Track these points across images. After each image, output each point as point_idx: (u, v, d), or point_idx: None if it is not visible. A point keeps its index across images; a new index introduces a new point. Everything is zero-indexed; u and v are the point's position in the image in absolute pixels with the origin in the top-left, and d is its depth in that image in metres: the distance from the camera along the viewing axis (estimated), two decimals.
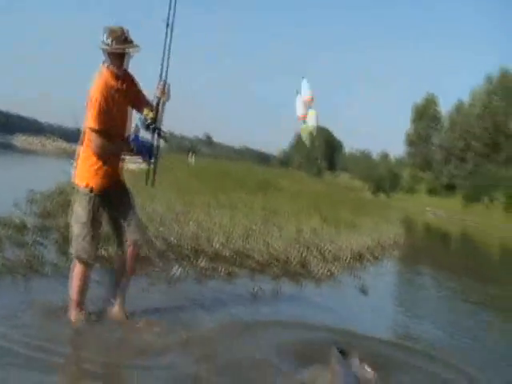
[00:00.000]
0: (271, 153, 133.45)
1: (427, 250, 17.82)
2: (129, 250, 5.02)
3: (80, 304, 4.83)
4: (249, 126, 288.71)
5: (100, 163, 4.81)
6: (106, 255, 7.43)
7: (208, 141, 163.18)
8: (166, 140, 5.07)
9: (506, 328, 7.99)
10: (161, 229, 9.43)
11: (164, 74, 4.98)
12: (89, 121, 4.68)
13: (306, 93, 6.44)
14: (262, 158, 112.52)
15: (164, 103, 4.97)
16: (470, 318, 8.26)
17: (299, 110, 6.56)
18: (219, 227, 10.26)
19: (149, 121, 4.92)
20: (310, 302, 7.23)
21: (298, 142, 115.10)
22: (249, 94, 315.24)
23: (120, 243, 5.06)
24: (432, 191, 58.59)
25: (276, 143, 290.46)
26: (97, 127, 4.66)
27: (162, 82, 4.97)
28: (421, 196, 60.09)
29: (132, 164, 33.84)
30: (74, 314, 4.82)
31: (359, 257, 11.59)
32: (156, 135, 5.01)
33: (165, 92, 4.95)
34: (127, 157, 5.17)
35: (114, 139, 4.80)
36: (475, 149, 51.92)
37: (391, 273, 11.77)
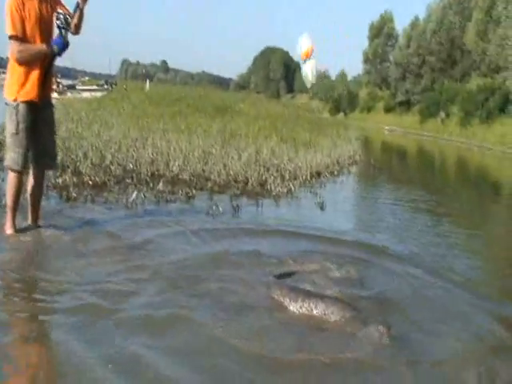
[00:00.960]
0: (229, 76, 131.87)
1: (384, 165, 18.14)
2: (38, 170, 5.30)
3: (14, 211, 5.16)
4: (207, 50, 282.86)
5: (25, 76, 4.94)
6: (60, 183, 7.41)
7: (164, 66, 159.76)
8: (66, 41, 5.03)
9: (449, 230, 8.29)
10: (118, 155, 9.38)
11: None
12: (6, 29, 4.84)
13: (306, 46, 6.36)
14: (220, 82, 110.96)
15: (82, 9, 5.06)
16: (418, 223, 8.58)
17: (303, 47, 6.51)
18: (177, 152, 10.24)
19: (63, 21, 4.99)
20: (268, 216, 7.40)
21: (257, 64, 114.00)
22: (211, 19, 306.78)
23: (35, 160, 5.23)
24: (389, 109, 58.94)
25: (234, 67, 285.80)
26: (13, 33, 4.80)
27: None
28: (378, 114, 60.45)
29: (86, 93, 33.03)
30: (8, 226, 5.16)
31: (317, 175, 11.76)
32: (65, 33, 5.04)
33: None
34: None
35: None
36: (431, 64, 51.96)
37: (348, 188, 12.00)
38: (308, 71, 7.00)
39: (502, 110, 35.81)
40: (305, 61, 7.04)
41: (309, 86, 7.45)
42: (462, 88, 44.44)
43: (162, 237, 5.63)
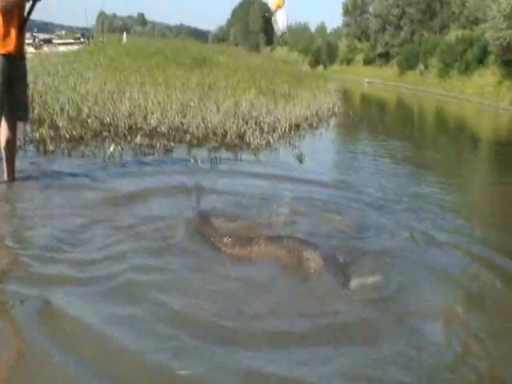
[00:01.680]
0: (208, 29, 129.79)
1: (362, 117, 18.19)
2: (11, 123, 5.32)
3: None
4: (185, 2, 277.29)
5: (4, 29, 4.91)
6: (37, 137, 7.36)
7: (141, 19, 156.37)
8: None
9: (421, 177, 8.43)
10: (95, 108, 9.28)
11: None
12: None
13: None
14: (199, 35, 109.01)
15: None
16: (393, 174, 8.69)
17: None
18: (155, 105, 10.15)
19: None
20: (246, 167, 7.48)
21: (235, 16, 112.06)
22: None
23: (8, 113, 5.21)
24: (368, 61, 58.54)
25: (213, 19, 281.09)
26: None
27: None
28: (358, 66, 60.05)
29: (62, 46, 32.34)
30: None
31: (296, 127, 11.77)
32: None
33: None
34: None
35: None
36: (410, 16, 51.52)
37: (327, 140, 12.04)
38: (279, 20, 6.93)
39: (481, 61, 35.74)
40: (276, 10, 6.95)
41: (279, 34, 7.37)
42: (440, 40, 44.19)
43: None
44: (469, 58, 37.21)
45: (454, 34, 42.31)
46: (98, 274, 3.60)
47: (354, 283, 3.75)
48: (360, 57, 61.19)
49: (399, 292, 3.80)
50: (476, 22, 37.38)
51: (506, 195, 8.22)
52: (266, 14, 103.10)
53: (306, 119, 12.82)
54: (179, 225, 4.55)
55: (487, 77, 34.05)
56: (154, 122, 9.08)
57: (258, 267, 3.97)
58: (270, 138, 9.75)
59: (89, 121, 8.61)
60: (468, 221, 6.09)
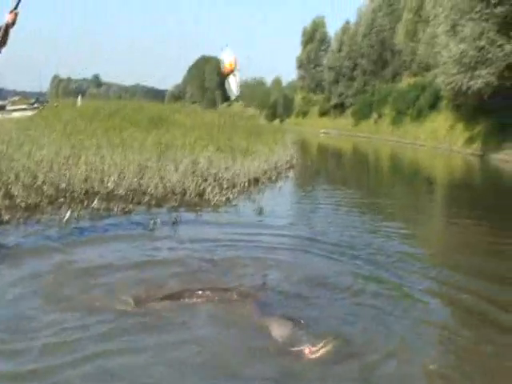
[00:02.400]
0: (165, 88, 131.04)
1: (320, 167, 18.44)
2: None
3: None
4: (140, 62, 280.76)
5: None
6: None
7: (97, 81, 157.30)
8: None
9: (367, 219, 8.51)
10: (50, 174, 9.15)
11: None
12: None
13: (228, 59, 6.58)
14: (156, 94, 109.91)
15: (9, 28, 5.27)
16: (347, 221, 8.75)
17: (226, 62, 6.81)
18: (112, 167, 10.08)
19: None
20: (207, 226, 7.42)
21: (191, 74, 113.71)
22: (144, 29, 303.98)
23: None
24: (324, 112, 59.93)
25: (169, 77, 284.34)
26: None
27: (14, 11, 5.29)
28: (314, 118, 61.39)
29: (16, 112, 31.94)
30: None
31: (255, 181, 11.84)
32: None
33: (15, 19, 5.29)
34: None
35: None
36: (363, 67, 53.17)
37: (287, 193, 12.12)
38: (232, 84, 7.11)
39: (433, 106, 36.84)
40: (228, 75, 7.14)
41: (233, 98, 7.52)
42: (393, 88, 45.58)
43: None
44: (421, 104, 38.35)
45: (405, 82, 43.73)
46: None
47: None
48: (315, 108, 62.60)
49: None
50: (427, 68, 38.65)
51: (461, 237, 8.37)
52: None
53: (265, 173, 12.91)
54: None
55: (440, 121, 35.07)
56: (111, 185, 8.99)
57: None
58: (230, 194, 9.77)
59: (44, 187, 8.47)
60: (423, 265, 6.12)
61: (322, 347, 3.43)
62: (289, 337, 3.65)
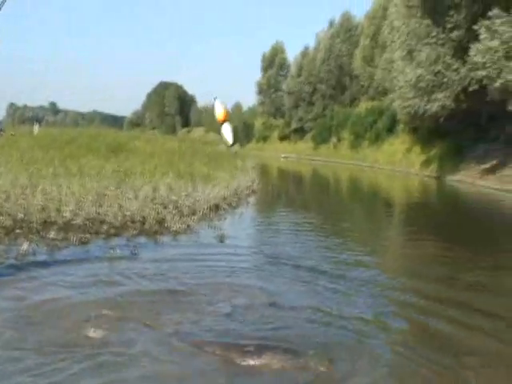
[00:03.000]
0: (123, 114, 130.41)
1: (280, 191, 18.53)
2: None
3: None
4: (97, 89, 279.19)
5: None
6: None
7: (53, 108, 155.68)
8: None
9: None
10: (6, 205, 8.96)
11: None
12: None
13: (219, 111, 7.18)
14: (114, 121, 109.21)
15: None
16: (308, 244, 8.78)
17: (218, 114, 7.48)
18: (69, 196, 9.92)
19: None
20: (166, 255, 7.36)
21: (151, 100, 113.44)
22: (100, 56, 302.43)
23: None
24: (284, 137, 60.50)
25: (128, 104, 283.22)
26: None
27: None
28: (274, 142, 61.87)
29: None
30: None
31: (216, 208, 11.80)
32: None
33: None
34: None
35: None
36: (322, 92, 53.91)
37: (247, 219, 12.10)
38: (227, 133, 7.59)
39: (390, 130, 37.50)
40: (222, 124, 7.65)
41: (229, 144, 7.96)
42: (351, 112, 46.29)
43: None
44: (379, 127, 39.03)
45: (363, 106, 44.44)
46: None
47: None
48: (276, 133, 63.07)
49: None
50: (384, 92, 39.39)
51: (413, 251, 8.55)
52: (183, 96, 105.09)
53: (225, 199, 12.89)
54: None
55: (397, 144, 35.70)
56: (68, 215, 8.84)
57: None
58: (190, 220, 9.71)
59: (1, 218, 8.30)
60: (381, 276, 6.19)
61: None
62: None
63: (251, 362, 3.90)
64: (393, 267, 8.19)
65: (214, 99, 7.68)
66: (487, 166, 23.57)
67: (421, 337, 4.81)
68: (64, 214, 8.85)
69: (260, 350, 4.01)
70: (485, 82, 20.89)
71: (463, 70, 23.23)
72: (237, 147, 42.82)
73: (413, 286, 6.41)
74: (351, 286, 6.14)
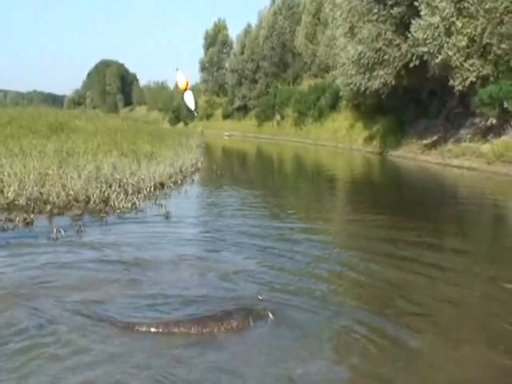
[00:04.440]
0: (63, 93, 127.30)
1: (225, 169, 18.62)
2: None
3: None
4: (37, 68, 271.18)
5: None
6: None
7: None
8: None
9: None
10: None
11: None
12: None
13: (181, 81, 7.50)
14: (54, 100, 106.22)
15: None
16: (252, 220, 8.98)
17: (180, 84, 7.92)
18: (12, 176, 9.77)
19: None
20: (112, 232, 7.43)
21: (92, 78, 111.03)
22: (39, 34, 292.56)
23: None
24: (227, 115, 60.37)
25: (68, 83, 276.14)
26: None
27: None
28: (218, 121, 61.68)
29: None
30: None
31: (161, 186, 11.86)
32: None
33: None
34: None
35: None
36: (265, 69, 53.88)
37: (193, 196, 12.18)
38: (189, 100, 8.14)
39: (333, 107, 37.84)
40: (183, 93, 8.19)
41: (192, 109, 8.43)
42: (294, 90, 46.48)
43: None
44: (322, 105, 39.32)
45: (306, 84, 44.68)
46: None
47: None
48: (219, 111, 62.87)
49: None
50: (327, 69, 39.65)
51: (354, 227, 8.87)
52: (124, 75, 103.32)
53: (170, 177, 12.93)
54: None
55: (340, 121, 36.14)
56: (11, 195, 8.73)
57: None
58: (136, 199, 9.72)
59: None
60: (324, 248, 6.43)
61: None
62: None
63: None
64: (335, 231, 8.61)
65: (177, 70, 8.10)
66: (428, 141, 24.16)
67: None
68: (7, 195, 8.74)
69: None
70: (426, 57, 21.32)
71: (404, 46, 23.61)
72: (201, 127, 43.25)
73: (355, 245, 7.00)
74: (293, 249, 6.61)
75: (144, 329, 4.08)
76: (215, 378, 3.47)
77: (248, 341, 4.01)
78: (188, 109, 8.41)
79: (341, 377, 3.62)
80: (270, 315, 4.26)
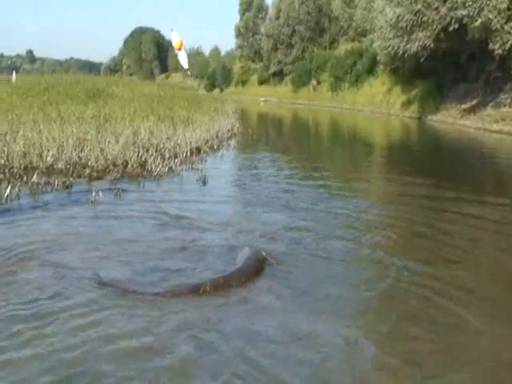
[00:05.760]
0: (100, 61, 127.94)
1: (260, 135, 18.57)
2: None
3: None
4: (74, 35, 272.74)
5: None
6: None
7: (30, 57, 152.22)
8: None
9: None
10: None
11: None
12: None
13: (176, 41, 7.62)
14: (91, 67, 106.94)
15: None
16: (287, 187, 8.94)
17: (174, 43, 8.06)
18: (50, 141, 9.90)
19: None
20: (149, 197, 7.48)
21: (128, 45, 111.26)
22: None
23: None
24: (263, 81, 59.89)
25: (104, 50, 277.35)
26: None
27: None
28: (253, 86, 61.30)
29: None
30: None
31: (197, 150, 11.87)
32: None
33: None
34: None
35: None
36: (301, 34, 53.19)
37: (229, 161, 12.20)
38: (183, 60, 8.26)
39: (370, 71, 37.27)
40: (178, 52, 8.27)
41: (186, 67, 8.57)
42: (331, 55, 45.84)
43: None
44: (359, 69, 38.73)
45: (343, 48, 43.99)
46: None
47: None
48: (255, 77, 62.40)
49: None
50: (364, 33, 38.95)
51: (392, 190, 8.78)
52: (160, 42, 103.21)
53: (207, 142, 12.94)
54: None
55: (377, 86, 35.59)
56: (50, 159, 8.87)
57: None
58: (172, 163, 9.77)
59: None
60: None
61: None
62: None
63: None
64: (374, 198, 8.55)
65: (171, 30, 8.23)
66: (467, 105, 23.67)
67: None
68: (46, 159, 8.87)
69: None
70: (465, 21, 20.75)
71: (443, 9, 22.98)
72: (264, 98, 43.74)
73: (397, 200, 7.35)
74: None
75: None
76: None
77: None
78: (182, 65, 8.60)
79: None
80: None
